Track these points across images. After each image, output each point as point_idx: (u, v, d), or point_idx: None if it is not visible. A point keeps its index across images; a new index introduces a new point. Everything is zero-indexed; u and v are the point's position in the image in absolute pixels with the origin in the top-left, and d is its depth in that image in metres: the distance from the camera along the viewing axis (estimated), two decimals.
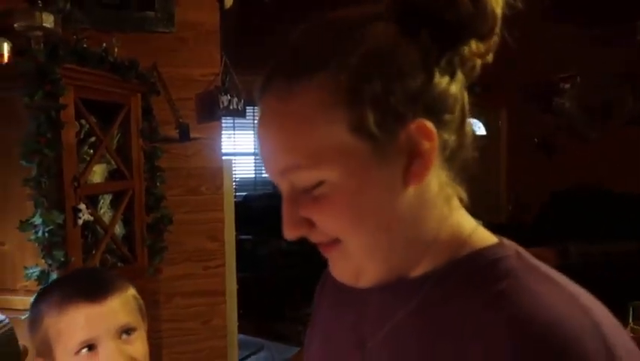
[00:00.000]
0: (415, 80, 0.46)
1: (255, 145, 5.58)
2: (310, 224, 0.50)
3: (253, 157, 5.58)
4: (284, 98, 0.47)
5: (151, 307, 0.88)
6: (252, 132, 5.57)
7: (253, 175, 5.56)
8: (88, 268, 0.94)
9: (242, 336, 2.68)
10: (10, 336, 1.22)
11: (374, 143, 0.46)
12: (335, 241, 0.50)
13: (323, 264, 0.56)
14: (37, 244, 1.51)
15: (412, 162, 0.47)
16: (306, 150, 0.46)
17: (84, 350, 0.78)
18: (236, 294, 2.42)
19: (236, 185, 4.73)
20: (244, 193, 5.15)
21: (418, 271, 0.52)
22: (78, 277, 0.91)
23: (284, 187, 0.51)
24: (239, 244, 2.52)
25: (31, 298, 1.50)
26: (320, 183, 0.47)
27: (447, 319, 0.48)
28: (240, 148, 5.42)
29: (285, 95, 0.47)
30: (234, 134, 5.31)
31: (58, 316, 0.80)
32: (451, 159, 0.49)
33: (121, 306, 0.82)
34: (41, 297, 0.86)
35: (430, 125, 0.46)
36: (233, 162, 3.23)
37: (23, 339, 1.28)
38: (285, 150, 0.48)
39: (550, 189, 4.70)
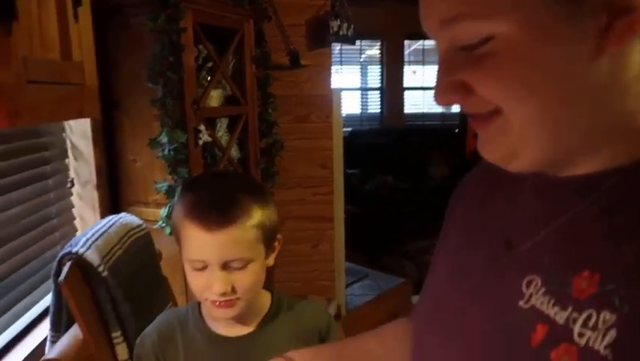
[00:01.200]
0: None
1: (361, 80, 5.52)
2: (467, 89, 0.43)
3: (359, 92, 5.52)
4: None
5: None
6: (359, 67, 5.48)
7: (359, 111, 5.53)
8: (224, 184, 0.88)
9: (348, 264, 2.75)
10: (147, 238, 1.35)
11: None
12: (494, 113, 0.42)
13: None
14: (164, 161, 1.63)
15: (614, 20, 0.38)
16: None
17: (196, 264, 0.82)
18: (343, 221, 2.46)
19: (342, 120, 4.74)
20: (350, 129, 5.16)
21: (589, 167, 0.44)
22: (209, 193, 0.85)
23: (442, 43, 0.44)
24: (345, 178, 2.54)
25: (161, 210, 1.66)
26: (488, 39, 0.40)
27: (630, 224, 0.40)
28: (347, 83, 5.39)
29: None
30: (341, 68, 5.27)
31: (181, 225, 0.83)
32: None
33: (234, 240, 0.80)
34: (180, 197, 0.88)
35: None
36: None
37: (157, 244, 1.41)
38: None
39: None
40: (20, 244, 1.36)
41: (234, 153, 2.01)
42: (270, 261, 0.90)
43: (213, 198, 0.83)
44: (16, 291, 1.33)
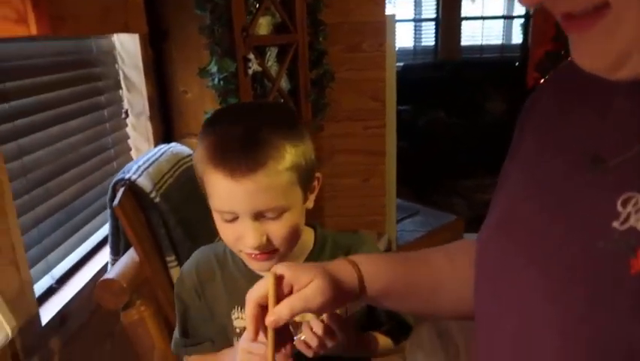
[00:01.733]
0: None
1: (415, 11, 5.23)
2: None
3: (413, 24, 5.26)
4: None
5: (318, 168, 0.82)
6: None
7: (412, 44, 5.29)
8: (250, 120, 0.74)
9: (398, 200, 2.72)
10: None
11: None
12: (601, 8, 0.35)
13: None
14: (214, 92, 1.61)
15: None
16: None
17: (225, 216, 0.74)
18: (395, 155, 2.41)
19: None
20: (402, 63, 4.96)
21: None
22: (233, 133, 0.72)
23: None
24: (397, 114, 2.45)
25: None
26: None
27: None
28: (399, 14, 5.13)
29: None
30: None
31: (203, 170, 0.74)
32: None
33: (265, 188, 0.71)
34: (201, 136, 0.76)
35: None
36: None
37: None
38: None
39: None
40: (81, 172, 1.41)
41: (284, 84, 1.97)
42: (310, 203, 0.80)
43: (237, 139, 0.71)
44: (80, 217, 1.39)
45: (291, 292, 0.60)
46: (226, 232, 0.76)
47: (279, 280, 0.60)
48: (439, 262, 0.68)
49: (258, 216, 0.73)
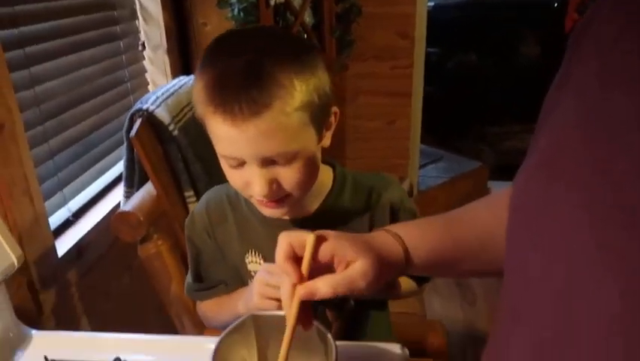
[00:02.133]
0: None
1: None
2: None
3: None
4: None
5: (336, 103, 0.73)
6: None
7: None
8: (251, 51, 0.64)
9: (422, 145, 2.64)
10: None
11: None
12: None
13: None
14: (233, 23, 1.53)
15: None
16: None
17: (230, 161, 0.68)
18: (421, 97, 2.31)
19: None
20: (432, 3, 4.71)
21: None
22: (232, 67, 0.63)
23: None
24: (425, 56, 2.32)
25: None
26: None
27: None
28: None
29: None
30: None
31: (202, 111, 0.66)
32: None
33: (271, 133, 0.63)
34: (199, 69, 0.67)
35: None
36: None
37: None
38: None
39: None
40: (96, 105, 1.37)
41: (308, 18, 1.87)
42: (327, 141, 0.72)
43: (238, 76, 0.62)
44: (96, 150, 1.36)
45: (329, 263, 0.56)
46: (233, 177, 0.70)
47: (318, 241, 0.56)
48: (483, 217, 0.62)
49: (266, 162, 0.66)
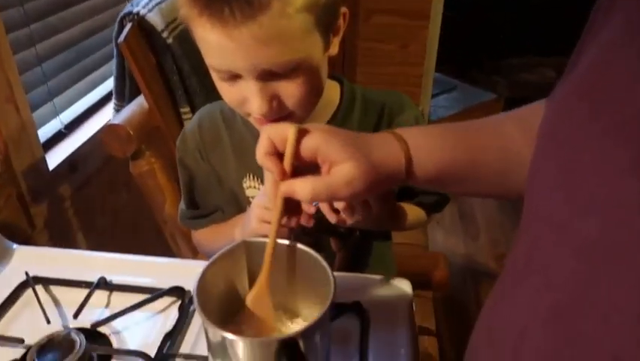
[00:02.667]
0: None
1: None
2: None
3: None
4: None
5: (348, 22, 0.63)
6: None
7: None
8: None
9: (436, 74, 2.52)
10: None
11: None
12: None
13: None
14: None
15: None
16: None
17: (221, 75, 0.60)
18: (440, 21, 2.15)
19: None
20: None
21: None
22: None
23: None
24: None
25: None
26: None
27: None
28: None
29: None
30: None
31: (187, 15, 0.57)
32: None
33: (269, 39, 0.54)
34: None
35: None
36: None
37: None
38: None
39: None
40: (87, 9, 1.26)
41: None
42: (334, 49, 0.63)
43: None
44: (89, 60, 1.27)
45: (313, 161, 0.47)
46: (227, 93, 0.62)
47: (300, 135, 0.47)
48: (510, 132, 0.53)
49: (264, 75, 0.57)
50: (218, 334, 0.44)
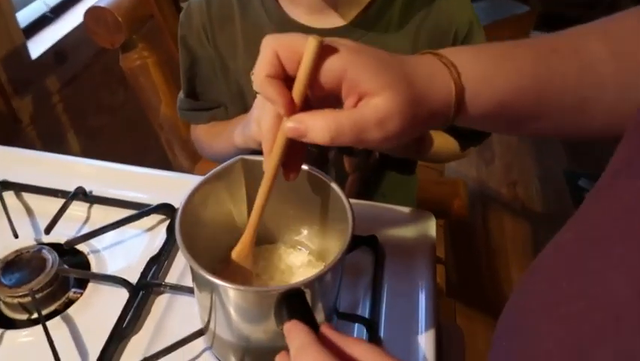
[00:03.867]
0: None
1: None
2: None
3: None
4: None
5: None
6: None
7: None
8: None
9: None
10: None
11: None
12: None
13: None
14: None
15: None
16: None
17: None
18: None
19: None
20: None
21: None
22: None
23: None
24: None
25: None
26: None
27: None
28: None
29: None
30: None
31: None
32: None
33: None
34: None
35: None
36: None
37: None
38: None
39: None
40: None
41: None
42: None
43: None
44: None
45: (333, 91, 0.35)
46: None
47: (322, 51, 0.34)
48: (596, 50, 0.39)
49: None
50: (204, 278, 0.35)
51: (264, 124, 0.37)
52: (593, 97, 0.38)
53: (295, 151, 0.38)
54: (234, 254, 0.42)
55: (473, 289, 1.48)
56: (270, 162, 0.37)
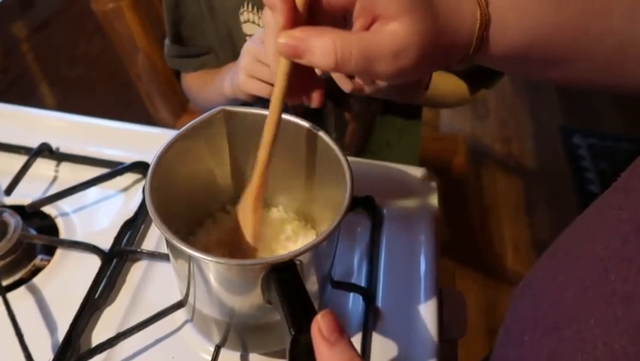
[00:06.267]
0: None
1: None
2: None
3: None
4: None
5: None
6: None
7: None
8: None
9: None
10: None
11: None
12: None
13: None
14: None
15: None
16: None
17: None
18: None
19: None
20: None
21: None
22: None
23: None
24: None
25: None
26: None
27: None
28: None
29: None
30: None
31: None
32: None
33: None
34: None
35: None
36: None
37: None
38: None
39: None
40: None
41: None
42: None
43: None
44: None
45: (344, 10, 0.29)
46: None
47: None
48: None
49: None
50: (178, 248, 0.31)
51: (268, 46, 0.31)
52: (629, 44, 0.33)
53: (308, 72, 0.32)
54: (240, 210, 0.37)
55: (465, 246, 1.46)
56: (275, 90, 0.32)
